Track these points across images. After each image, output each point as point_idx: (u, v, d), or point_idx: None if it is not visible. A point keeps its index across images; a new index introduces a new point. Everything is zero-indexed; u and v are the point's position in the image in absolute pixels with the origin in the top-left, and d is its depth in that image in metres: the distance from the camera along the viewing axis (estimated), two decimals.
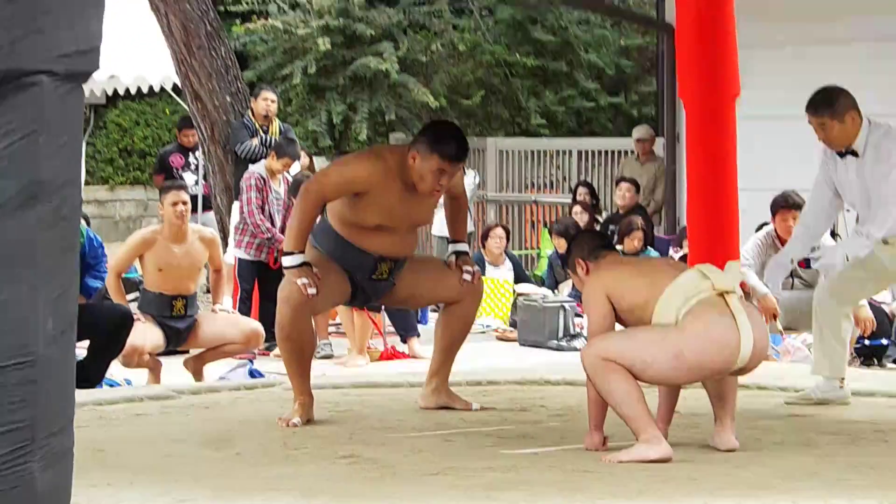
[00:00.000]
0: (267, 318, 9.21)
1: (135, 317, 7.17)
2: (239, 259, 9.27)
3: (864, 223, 5.51)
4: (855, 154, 5.50)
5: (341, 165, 5.32)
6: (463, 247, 5.50)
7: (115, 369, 7.28)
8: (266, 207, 9.25)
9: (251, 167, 9.42)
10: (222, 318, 7.76)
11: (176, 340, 7.67)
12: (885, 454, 4.58)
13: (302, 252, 5.14)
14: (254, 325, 7.86)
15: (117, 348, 6.91)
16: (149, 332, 7.46)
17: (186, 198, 7.65)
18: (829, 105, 5.48)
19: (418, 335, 9.21)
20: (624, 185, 12.31)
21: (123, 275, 7.78)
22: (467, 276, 5.39)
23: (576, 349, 9.03)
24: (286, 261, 5.16)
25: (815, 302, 5.77)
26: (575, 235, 4.95)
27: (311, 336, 5.35)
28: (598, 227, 11.72)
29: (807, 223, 5.82)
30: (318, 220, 5.29)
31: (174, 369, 7.95)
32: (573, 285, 10.70)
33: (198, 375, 7.68)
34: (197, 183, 12.08)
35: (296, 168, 10.53)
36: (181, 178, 12.59)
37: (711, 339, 4.40)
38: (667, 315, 4.44)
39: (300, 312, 5.18)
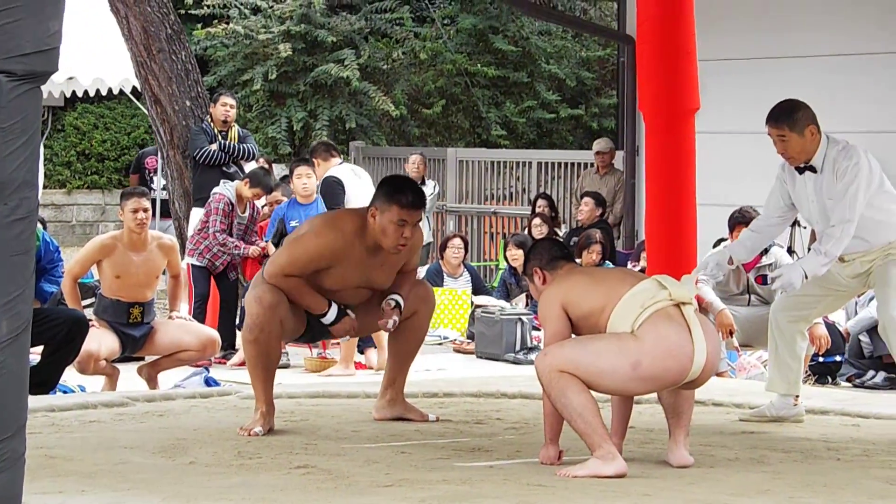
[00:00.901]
0: (224, 327, 9.21)
1: (90, 323, 7.13)
2: (192, 266, 9.25)
3: (821, 240, 5.54)
4: (813, 170, 5.52)
5: (299, 246, 5.26)
6: (399, 298, 5.46)
7: (69, 375, 7.22)
8: (229, 231, 9.30)
9: (222, 188, 9.39)
10: (178, 325, 7.73)
11: (132, 347, 7.64)
12: (838, 472, 4.60)
13: (330, 306, 5.29)
14: (210, 332, 7.82)
15: (72, 354, 6.85)
16: (104, 339, 7.42)
17: (147, 205, 7.61)
18: (789, 117, 5.50)
19: (375, 346, 9.19)
20: (587, 199, 12.34)
21: (80, 279, 7.73)
22: (389, 324, 5.38)
23: (533, 362, 9.02)
24: (326, 321, 5.33)
25: (770, 319, 5.80)
26: (533, 245, 4.95)
27: (278, 341, 5.34)
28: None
29: (755, 228, 5.84)
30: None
31: (129, 376, 7.90)
32: (527, 296, 10.72)
33: (152, 383, 7.64)
34: (165, 188, 12.02)
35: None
36: (152, 180, 12.56)
37: (667, 350, 4.40)
38: (622, 323, 4.45)
39: (271, 314, 5.18)
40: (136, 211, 7.51)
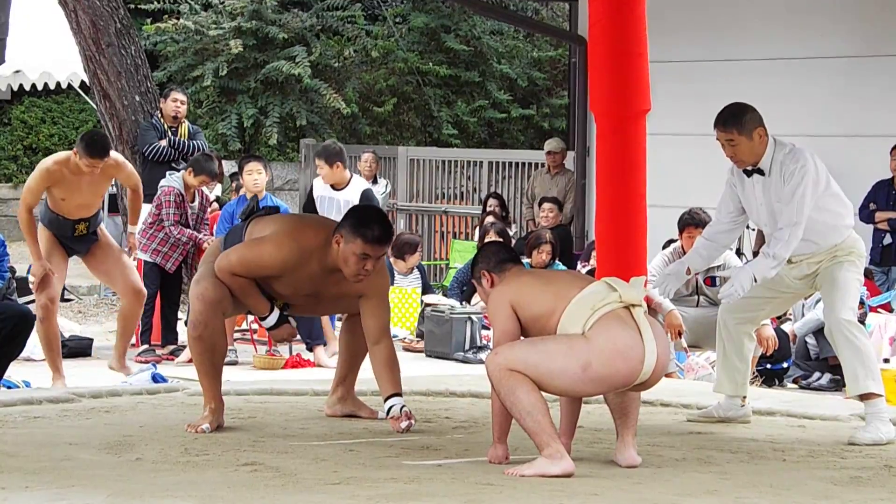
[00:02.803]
0: (167, 323, 9.16)
1: (43, 268, 7.31)
2: (144, 262, 9.17)
3: (769, 243, 5.56)
4: (761, 172, 5.55)
5: (254, 250, 5.20)
6: (399, 400, 5.34)
7: (14, 370, 7.15)
8: (184, 221, 9.22)
9: (169, 180, 9.30)
10: (115, 260, 7.68)
11: (77, 254, 7.72)
12: (784, 472, 4.63)
13: (273, 310, 5.27)
14: (138, 285, 7.80)
15: (17, 349, 6.78)
16: (57, 281, 7.54)
17: (102, 165, 7.32)
18: (738, 121, 5.52)
19: (324, 344, 9.17)
20: (547, 205, 12.36)
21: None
22: (404, 425, 5.28)
23: (482, 361, 9.02)
24: (266, 325, 5.31)
25: (718, 321, 5.82)
26: (480, 248, 4.94)
27: (223, 337, 5.31)
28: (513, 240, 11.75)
29: (709, 237, 5.86)
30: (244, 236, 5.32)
31: (73, 372, 7.85)
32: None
33: (124, 370, 7.73)
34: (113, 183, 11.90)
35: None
36: None
37: (618, 351, 4.42)
38: (573, 325, 4.45)
39: (214, 310, 5.15)
40: (92, 168, 7.30)
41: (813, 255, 5.57)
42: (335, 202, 9.19)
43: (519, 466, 4.40)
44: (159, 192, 9.31)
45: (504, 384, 4.41)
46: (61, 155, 7.47)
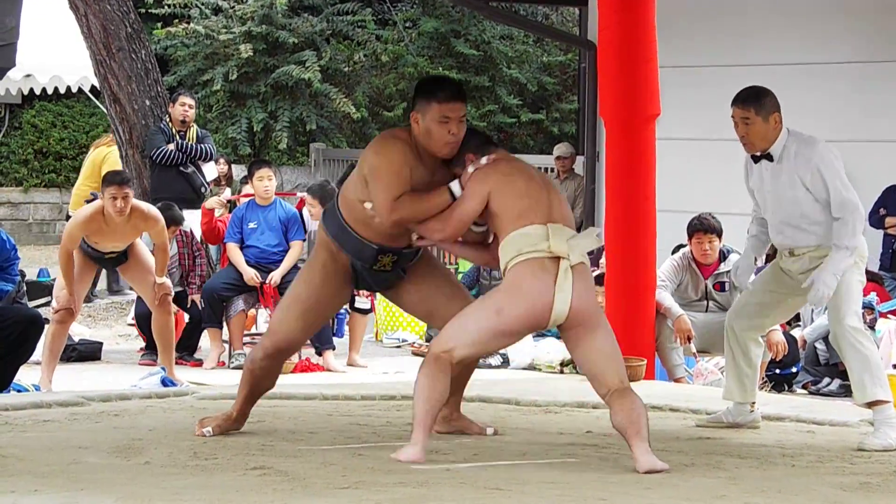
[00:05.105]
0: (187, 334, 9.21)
1: (69, 303, 7.75)
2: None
3: (775, 231, 5.55)
4: (770, 159, 5.54)
5: (382, 169, 4.89)
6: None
7: (24, 374, 7.17)
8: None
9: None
10: (144, 272, 8.02)
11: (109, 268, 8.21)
12: (792, 478, 4.62)
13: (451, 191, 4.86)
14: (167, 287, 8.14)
15: (27, 353, 6.80)
16: (83, 288, 7.98)
17: (127, 191, 7.71)
18: (757, 101, 5.53)
19: (333, 348, 9.17)
20: None
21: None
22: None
23: (490, 366, 9.03)
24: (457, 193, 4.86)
25: (726, 326, 5.81)
26: (465, 134, 4.93)
27: (272, 379, 5.25)
28: None
29: (753, 233, 5.84)
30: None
31: (78, 375, 7.88)
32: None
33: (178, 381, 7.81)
34: None
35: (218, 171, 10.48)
36: None
37: (523, 294, 4.65)
38: (504, 254, 4.71)
39: (276, 360, 5.17)
40: (114, 199, 7.66)
41: (817, 248, 5.53)
42: None
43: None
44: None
45: (420, 368, 4.70)
46: (96, 203, 7.84)
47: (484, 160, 4.84)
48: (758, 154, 5.57)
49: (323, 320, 5.31)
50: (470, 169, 4.84)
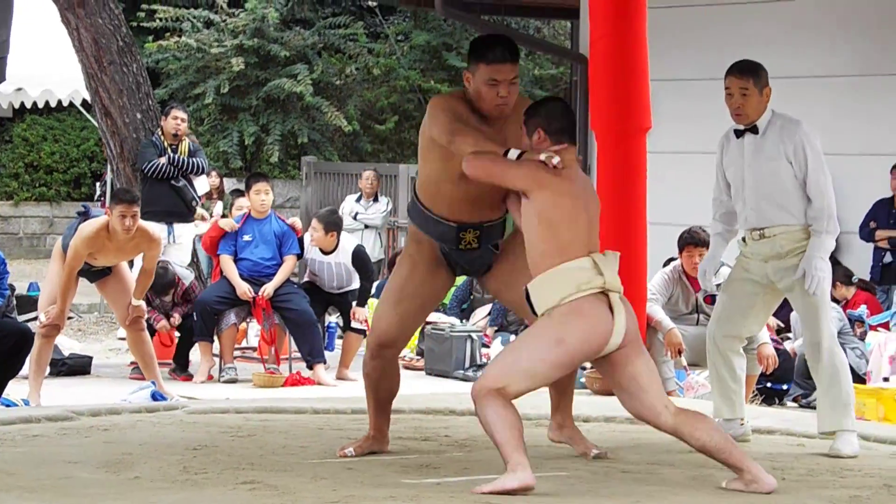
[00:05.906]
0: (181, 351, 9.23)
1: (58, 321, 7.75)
2: None
3: (750, 208, 5.53)
4: (755, 131, 5.56)
5: (441, 115, 4.82)
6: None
7: (13, 388, 7.15)
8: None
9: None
10: (122, 290, 8.05)
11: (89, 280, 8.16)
12: (782, 491, 4.61)
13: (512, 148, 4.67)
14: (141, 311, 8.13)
15: (16, 367, 6.77)
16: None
17: (136, 210, 7.78)
18: (755, 72, 5.57)
19: (324, 362, 9.17)
20: None
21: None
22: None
23: None
24: (512, 154, 4.67)
25: (708, 338, 5.78)
26: (545, 102, 4.79)
27: (391, 380, 5.16)
28: None
29: (718, 231, 5.84)
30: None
31: (67, 390, 7.86)
32: (490, 311, 10.73)
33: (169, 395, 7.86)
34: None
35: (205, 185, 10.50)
36: None
37: (589, 327, 4.49)
38: (552, 291, 4.49)
39: (376, 353, 5.10)
40: (123, 217, 7.71)
41: (786, 231, 5.51)
42: (325, 264, 9.43)
43: (482, 485, 4.37)
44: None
45: (479, 406, 4.42)
46: (101, 219, 7.85)
47: (556, 160, 4.54)
48: (741, 128, 5.58)
49: (420, 311, 5.13)
50: (542, 156, 4.56)
